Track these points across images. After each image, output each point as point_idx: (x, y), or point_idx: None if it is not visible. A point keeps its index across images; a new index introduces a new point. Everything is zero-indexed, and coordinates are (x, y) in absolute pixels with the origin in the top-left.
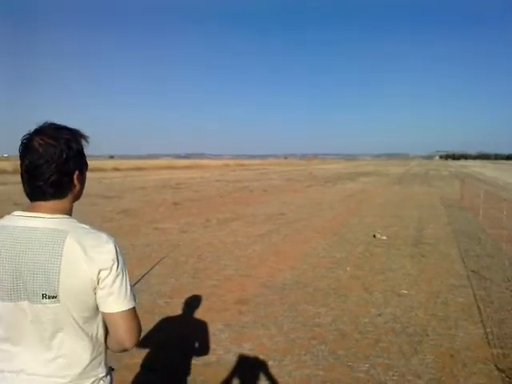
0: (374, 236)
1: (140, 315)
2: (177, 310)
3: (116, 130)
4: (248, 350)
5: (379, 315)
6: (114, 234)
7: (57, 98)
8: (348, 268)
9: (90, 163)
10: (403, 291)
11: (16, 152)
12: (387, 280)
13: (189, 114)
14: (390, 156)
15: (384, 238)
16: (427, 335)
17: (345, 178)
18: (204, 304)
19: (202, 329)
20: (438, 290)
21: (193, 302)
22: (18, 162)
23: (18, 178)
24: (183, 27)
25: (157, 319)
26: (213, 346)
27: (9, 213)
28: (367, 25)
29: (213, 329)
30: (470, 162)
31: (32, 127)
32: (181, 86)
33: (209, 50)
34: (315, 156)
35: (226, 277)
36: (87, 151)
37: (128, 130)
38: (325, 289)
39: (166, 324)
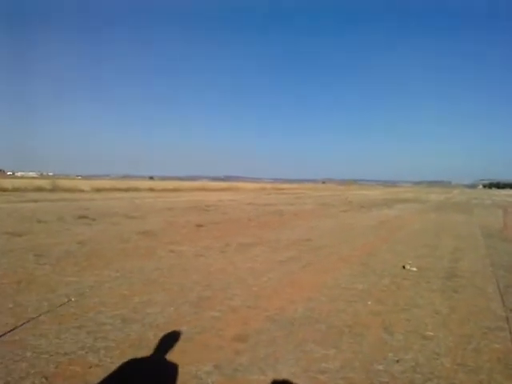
0: (404, 267)
1: (123, 349)
2: (165, 344)
3: (157, 152)
4: None
5: (397, 362)
6: (126, 255)
7: (96, 121)
8: (369, 302)
9: (128, 183)
10: (429, 333)
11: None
12: (412, 318)
13: (229, 136)
14: (432, 183)
15: (414, 269)
16: None
17: (381, 204)
18: (197, 339)
19: (182, 371)
20: (470, 334)
21: (184, 336)
22: (57, 181)
23: (52, 195)
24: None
25: (138, 355)
26: None
27: (29, 229)
28: (411, 52)
29: (199, 371)
30: None
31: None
32: (224, 109)
33: (249, 75)
34: (354, 181)
35: (230, 308)
36: (128, 171)
37: (169, 152)
38: (339, 326)
39: (140, 362)
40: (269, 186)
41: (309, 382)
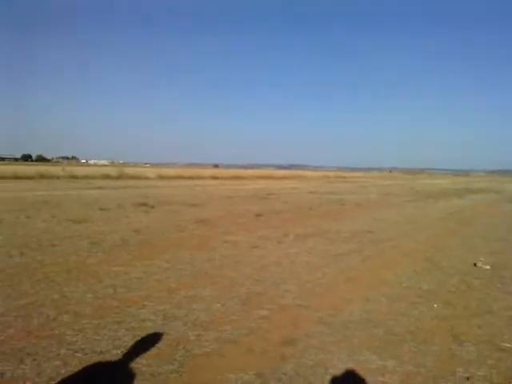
0: (475, 264)
1: (161, 350)
2: (205, 346)
3: (222, 141)
4: None
5: (467, 379)
6: (179, 245)
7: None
8: (435, 305)
9: (193, 171)
10: (506, 344)
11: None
12: (485, 326)
13: (295, 124)
14: (508, 172)
15: (487, 267)
16: None
17: (450, 194)
18: (241, 342)
19: (220, 379)
20: None
21: (227, 338)
22: (124, 169)
23: (118, 183)
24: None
25: (177, 357)
26: None
27: (89, 217)
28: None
29: (239, 380)
30: None
31: None
32: (289, 98)
33: (309, 61)
34: (422, 170)
35: (280, 306)
36: (194, 159)
37: (235, 140)
38: (400, 332)
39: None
40: (332, 174)
41: None
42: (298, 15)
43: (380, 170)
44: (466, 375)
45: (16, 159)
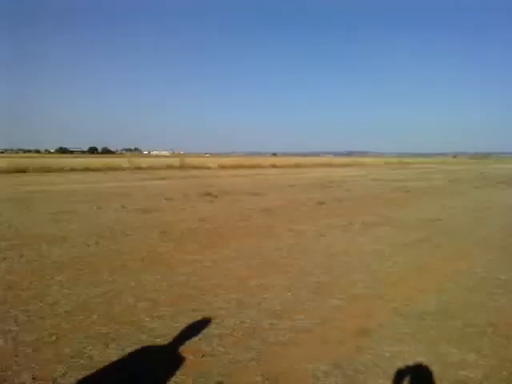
0: None
1: (237, 337)
2: (280, 335)
3: (281, 129)
4: None
5: None
6: (246, 234)
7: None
8: None
9: (252, 160)
10: None
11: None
12: None
13: (353, 110)
14: None
15: None
16: None
17: None
18: (316, 331)
19: (298, 368)
20: None
21: (302, 327)
22: (186, 159)
23: (180, 173)
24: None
25: (254, 345)
26: None
27: (156, 206)
28: None
29: (316, 370)
30: None
31: None
32: (344, 84)
33: (361, 54)
34: (489, 154)
35: (352, 296)
36: (252, 149)
37: (292, 128)
38: (480, 324)
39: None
40: (394, 160)
41: None
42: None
43: (444, 155)
44: None
45: (83, 152)
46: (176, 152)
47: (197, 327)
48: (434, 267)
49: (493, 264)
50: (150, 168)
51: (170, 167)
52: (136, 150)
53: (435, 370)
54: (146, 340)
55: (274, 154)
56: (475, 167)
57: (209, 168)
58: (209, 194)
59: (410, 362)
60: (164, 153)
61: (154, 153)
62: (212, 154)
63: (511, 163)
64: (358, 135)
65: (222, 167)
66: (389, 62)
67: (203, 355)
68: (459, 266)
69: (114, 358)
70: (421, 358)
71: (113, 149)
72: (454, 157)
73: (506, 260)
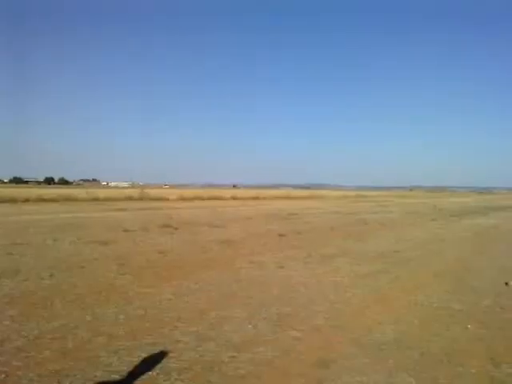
0: (507, 284)
1: (196, 372)
2: (239, 368)
3: (240, 161)
4: None
5: None
6: (206, 266)
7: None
8: (469, 326)
9: (212, 192)
10: None
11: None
12: None
13: (312, 144)
14: None
15: None
16: None
17: (474, 212)
18: (276, 363)
19: None
20: None
21: (262, 359)
22: (145, 190)
23: (140, 204)
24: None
25: (213, 379)
26: None
27: (114, 238)
28: None
29: None
30: None
31: None
32: (307, 119)
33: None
34: (443, 188)
35: (312, 327)
36: (212, 180)
37: (253, 161)
38: (435, 354)
39: None
40: (353, 193)
41: None
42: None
43: (401, 188)
44: None
45: (39, 182)
46: (135, 183)
47: (155, 361)
48: (392, 298)
49: (448, 295)
50: (108, 199)
51: (129, 198)
52: (94, 180)
53: None
54: (101, 376)
55: (235, 186)
56: (430, 201)
57: (169, 200)
58: (168, 225)
59: None
60: (123, 184)
61: (113, 184)
62: (171, 186)
63: (463, 197)
64: (318, 168)
65: (182, 199)
66: (344, 96)
67: None
68: (416, 297)
69: None
70: None
71: (70, 179)
72: (411, 190)
73: (460, 291)
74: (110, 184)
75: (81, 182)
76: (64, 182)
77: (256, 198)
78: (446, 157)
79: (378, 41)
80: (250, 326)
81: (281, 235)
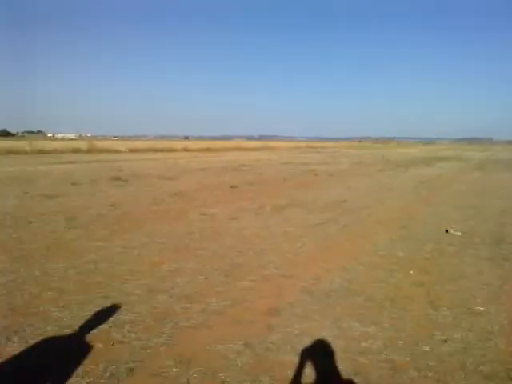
0: (447, 231)
1: (148, 323)
2: (192, 318)
3: (192, 112)
4: None
5: (445, 341)
6: (157, 219)
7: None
8: (411, 271)
9: (163, 143)
10: (479, 308)
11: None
12: (459, 290)
13: (263, 95)
14: (471, 140)
15: (458, 234)
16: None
17: (420, 162)
18: (228, 313)
19: (210, 350)
20: None
21: (214, 309)
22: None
23: (88, 157)
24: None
25: (166, 330)
26: (221, 374)
27: (62, 192)
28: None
29: (228, 350)
30: None
31: None
32: (256, 71)
33: (279, 41)
34: (391, 139)
35: (263, 277)
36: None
37: (205, 112)
38: (379, 299)
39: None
40: (304, 144)
41: (349, 365)
42: None
43: (350, 139)
44: (444, 338)
45: None
46: (83, 135)
47: (107, 315)
48: (340, 247)
49: (392, 243)
50: (55, 151)
51: (77, 151)
52: (39, 132)
53: (339, 343)
54: (51, 331)
55: (186, 138)
56: (378, 151)
57: (119, 152)
58: (118, 178)
59: (317, 338)
60: (70, 136)
61: (60, 136)
62: (121, 138)
63: (409, 148)
64: (269, 119)
65: (133, 151)
66: (297, 49)
67: (114, 343)
68: (363, 245)
69: (17, 352)
70: (327, 333)
71: (13, 131)
72: (360, 141)
73: (404, 238)
74: (56, 136)
75: (25, 134)
76: (6, 134)
77: (208, 150)
78: (393, 109)
79: None
80: (201, 278)
81: (233, 187)
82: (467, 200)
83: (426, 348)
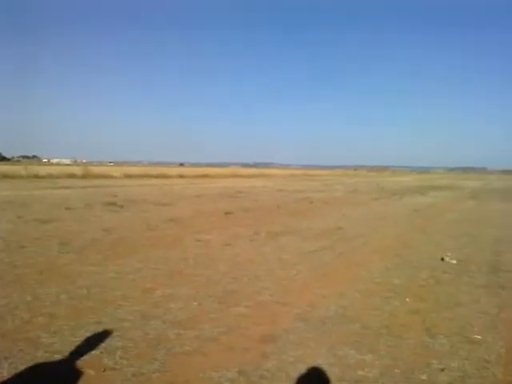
0: (442, 259)
1: (141, 349)
2: (185, 345)
3: (188, 139)
4: None
5: (442, 370)
6: (152, 244)
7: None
8: (407, 299)
9: (159, 169)
10: (476, 336)
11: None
12: (455, 318)
13: (259, 123)
14: (466, 170)
15: (454, 262)
16: None
17: (414, 191)
18: (222, 339)
19: (203, 378)
20: None
21: (207, 336)
22: (89, 167)
23: (83, 182)
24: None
25: (158, 356)
26: None
27: (57, 217)
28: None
29: (222, 377)
30: None
31: None
32: (254, 97)
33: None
34: (386, 168)
35: (258, 303)
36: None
37: (200, 139)
38: (375, 327)
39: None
40: (299, 172)
41: None
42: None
43: (345, 168)
44: (441, 367)
45: None
46: (78, 160)
47: (98, 341)
48: (336, 274)
49: (388, 270)
50: (50, 176)
51: (72, 176)
52: (34, 157)
53: (335, 371)
54: (42, 356)
55: (182, 164)
56: (373, 180)
57: (114, 177)
58: (114, 203)
59: (312, 365)
60: (65, 161)
61: (55, 161)
62: (116, 163)
63: (403, 176)
64: (265, 147)
65: (128, 176)
66: (285, 78)
67: (105, 369)
68: (359, 272)
69: (6, 378)
70: (322, 360)
71: (8, 155)
72: (355, 170)
73: (400, 266)
74: (51, 161)
75: (20, 159)
76: (1, 159)
77: (204, 177)
78: (388, 138)
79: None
80: (195, 304)
81: (228, 213)
82: (462, 228)
83: (424, 377)
